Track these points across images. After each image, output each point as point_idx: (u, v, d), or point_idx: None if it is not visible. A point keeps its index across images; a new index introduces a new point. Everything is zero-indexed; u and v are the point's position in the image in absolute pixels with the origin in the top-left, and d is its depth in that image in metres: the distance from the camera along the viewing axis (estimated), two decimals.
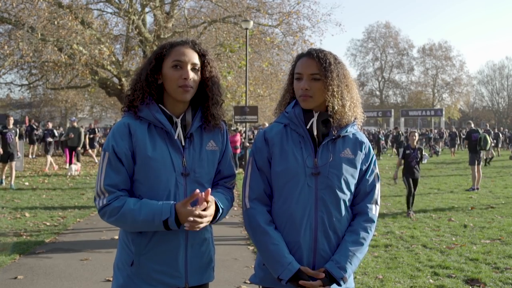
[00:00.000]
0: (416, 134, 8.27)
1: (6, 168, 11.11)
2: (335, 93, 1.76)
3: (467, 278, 4.53)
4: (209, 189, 1.69)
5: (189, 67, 1.74)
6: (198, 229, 1.67)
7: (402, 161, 8.10)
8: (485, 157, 18.84)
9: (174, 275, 1.75)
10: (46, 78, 20.00)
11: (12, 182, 10.80)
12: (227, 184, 1.92)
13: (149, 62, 1.77)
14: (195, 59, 1.77)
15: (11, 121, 11.32)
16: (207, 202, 1.68)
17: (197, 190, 1.64)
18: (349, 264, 1.74)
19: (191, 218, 1.62)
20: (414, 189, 7.99)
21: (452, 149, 25.46)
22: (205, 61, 1.80)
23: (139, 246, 1.73)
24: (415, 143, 8.08)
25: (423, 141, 28.86)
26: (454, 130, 28.72)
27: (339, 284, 1.73)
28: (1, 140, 10.86)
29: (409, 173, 7.97)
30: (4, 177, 11.22)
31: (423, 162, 8.36)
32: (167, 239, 1.73)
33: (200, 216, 1.63)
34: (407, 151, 8.02)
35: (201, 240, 1.82)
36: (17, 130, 11.56)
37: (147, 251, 1.73)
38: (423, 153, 8.27)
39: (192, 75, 1.74)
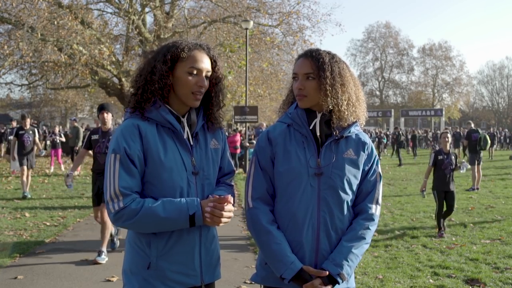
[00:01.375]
0: (449, 135, 6.76)
1: (27, 173, 9.57)
2: (327, 92, 1.76)
3: (467, 278, 4.53)
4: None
5: (204, 74, 1.75)
6: (218, 224, 1.70)
7: (432, 169, 6.61)
8: None
9: (191, 274, 1.76)
10: (46, 78, 20.02)
11: (27, 189, 9.55)
12: (228, 181, 1.94)
13: (164, 62, 1.70)
14: (209, 66, 1.78)
15: (28, 121, 9.81)
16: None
17: (230, 197, 1.70)
18: (345, 261, 1.74)
19: (209, 207, 1.66)
20: (452, 204, 6.45)
21: (457, 150, 25.17)
22: (216, 67, 1.81)
23: (156, 248, 1.71)
24: (448, 146, 6.59)
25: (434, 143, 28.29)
26: (458, 130, 28.26)
27: (337, 281, 1.73)
28: (17, 143, 9.53)
29: (442, 185, 6.44)
30: (28, 188, 9.57)
31: (460, 171, 6.71)
32: (184, 239, 1.73)
33: (221, 208, 1.66)
34: (439, 157, 6.51)
35: (212, 238, 1.84)
36: (35, 130, 10.00)
37: (165, 252, 1.72)
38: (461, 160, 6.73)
39: (206, 83, 1.76)
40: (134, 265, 1.75)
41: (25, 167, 9.50)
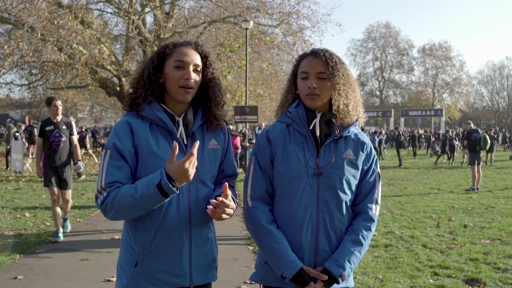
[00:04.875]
0: None
1: (65, 198, 6.04)
2: (341, 92, 1.78)
3: (467, 278, 4.53)
4: (227, 184, 1.69)
5: (191, 68, 1.75)
6: (220, 217, 1.66)
7: None
8: None
9: (179, 274, 1.75)
10: (46, 78, 20.03)
11: (60, 228, 5.99)
12: (230, 182, 1.92)
13: (152, 61, 1.78)
14: (197, 60, 1.78)
15: (59, 107, 5.87)
16: (227, 196, 1.69)
17: (175, 143, 1.60)
18: (347, 263, 1.75)
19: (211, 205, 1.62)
20: None
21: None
22: (207, 62, 1.81)
23: (142, 246, 1.72)
24: None
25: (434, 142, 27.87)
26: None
27: (337, 282, 1.74)
28: (43, 146, 5.88)
29: None
30: (60, 224, 6.00)
31: None
32: (171, 238, 1.73)
33: (191, 162, 1.57)
34: None
35: (205, 239, 1.82)
36: (72, 124, 6.08)
37: (151, 250, 1.72)
38: None
39: (193, 75, 1.75)
40: (124, 261, 1.79)
41: (55, 189, 5.86)
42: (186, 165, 1.57)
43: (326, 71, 1.77)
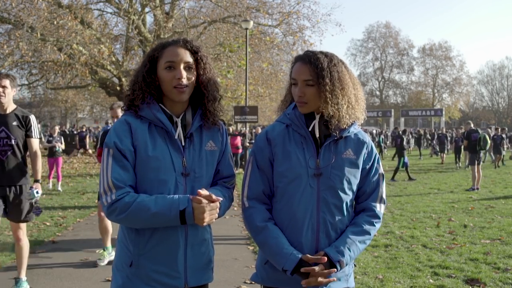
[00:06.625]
0: None
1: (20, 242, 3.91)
2: (328, 99, 1.74)
3: (467, 278, 4.53)
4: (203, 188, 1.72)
5: (182, 66, 1.73)
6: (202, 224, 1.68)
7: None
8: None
9: (173, 275, 1.74)
10: (46, 78, 20.04)
11: (21, 276, 3.98)
12: (227, 184, 1.90)
13: (144, 65, 1.77)
14: (188, 57, 1.75)
15: (9, 89, 3.69)
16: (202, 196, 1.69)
17: (204, 190, 1.67)
18: (347, 250, 1.74)
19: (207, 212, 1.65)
20: None
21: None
22: (198, 58, 1.78)
23: (138, 247, 1.72)
24: None
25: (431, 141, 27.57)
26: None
27: (335, 267, 1.72)
28: None
29: None
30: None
31: None
32: (167, 239, 1.72)
33: (215, 205, 1.66)
34: None
35: (201, 241, 1.81)
36: (32, 119, 3.86)
37: (146, 251, 1.72)
38: None
39: (185, 74, 1.73)
40: (119, 261, 1.78)
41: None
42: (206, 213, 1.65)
43: (312, 78, 1.74)
